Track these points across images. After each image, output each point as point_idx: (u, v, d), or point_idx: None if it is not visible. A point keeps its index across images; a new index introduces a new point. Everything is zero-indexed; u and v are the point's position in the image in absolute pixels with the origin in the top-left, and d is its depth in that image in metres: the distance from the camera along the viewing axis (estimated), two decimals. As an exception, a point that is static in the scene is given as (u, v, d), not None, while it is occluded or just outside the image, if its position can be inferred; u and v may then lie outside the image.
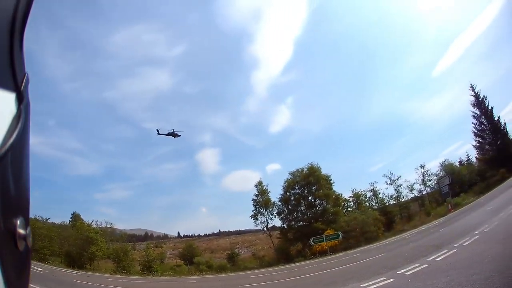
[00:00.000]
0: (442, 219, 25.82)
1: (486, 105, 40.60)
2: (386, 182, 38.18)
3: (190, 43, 70.62)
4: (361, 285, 8.78)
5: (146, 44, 65.67)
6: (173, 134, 34.40)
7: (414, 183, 38.68)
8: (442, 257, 8.98)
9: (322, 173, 34.36)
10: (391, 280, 8.57)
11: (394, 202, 38.26)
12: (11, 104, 0.72)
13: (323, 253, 27.18)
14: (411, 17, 65.70)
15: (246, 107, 66.82)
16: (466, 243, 9.23)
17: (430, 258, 9.36)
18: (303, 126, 63.95)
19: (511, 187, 21.38)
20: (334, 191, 34.94)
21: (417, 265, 9.08)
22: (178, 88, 66.65)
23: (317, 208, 34.00)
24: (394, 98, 62.89)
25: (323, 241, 27.91)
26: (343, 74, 67.58)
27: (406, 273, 8.66)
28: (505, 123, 39.14)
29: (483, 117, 40.82)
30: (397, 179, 37.85)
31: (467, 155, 44.17)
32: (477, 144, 41.20)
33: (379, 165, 69.39)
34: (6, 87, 0.72)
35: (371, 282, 8.82)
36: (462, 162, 43.36)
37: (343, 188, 61.16)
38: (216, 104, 69.51)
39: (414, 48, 62.71)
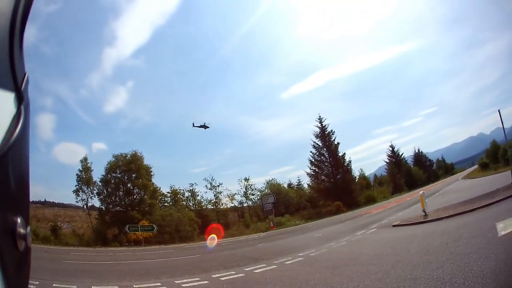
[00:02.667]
0: (262, 234, 27.52)
1: (332, 139, 43.43)
2: (206, 186, 39.71)
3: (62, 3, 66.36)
4: (175, 281, 7.82)
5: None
6: (204, 126, 39.60)
7: (235, 193, 40.65)
8: (260, 270, 8.55)
9: (144, 163, 34.72)
10: (206, 282, 7.63)
11: (213, 207, 39.64)
12: (11, 104, 0.71)
13: (138, 242, 26.97)
14: (275, 38, 77.09)
15: (89, 81, 66.92)
16: (288, 263, 9.16)
17: (247, 269, 8.85)
18: (137, 114, 68.52)
19: (347, 221, 22.40)
20: (153, 183, 35.44)
21: (233, 272, 8.42)
22: (35, 46, 60.52)
23: (134, 197, 34.01)
24: (234, 110, 71.78)
25: (138, 230, 27.84)
26: (189, 77, 72.66)
27: (221, 278, 7.85)
28: (350, 161, 43.52)
29: (325, 149, 43.54)
30: (218, 185, 39.74)
31: (299, 179, 47.58)
32: (312, 173, 43.83)
33: (203, 168, 75.83)
34: (6, 87, 0.71)
35: (185, 280, 7.82)
36: (292, 185, 46.29)
37: (164, 183, 63.59)
38: (63, 70, 68.32)
39: (270, 68, 73.59)
